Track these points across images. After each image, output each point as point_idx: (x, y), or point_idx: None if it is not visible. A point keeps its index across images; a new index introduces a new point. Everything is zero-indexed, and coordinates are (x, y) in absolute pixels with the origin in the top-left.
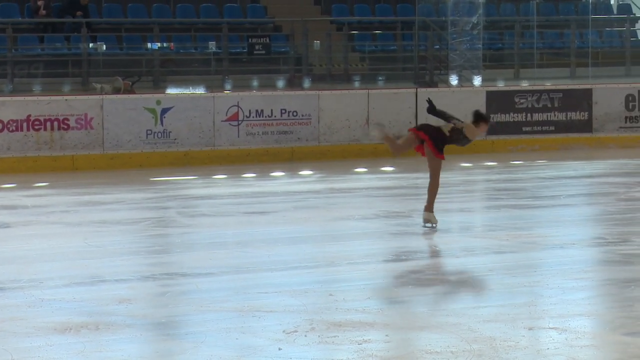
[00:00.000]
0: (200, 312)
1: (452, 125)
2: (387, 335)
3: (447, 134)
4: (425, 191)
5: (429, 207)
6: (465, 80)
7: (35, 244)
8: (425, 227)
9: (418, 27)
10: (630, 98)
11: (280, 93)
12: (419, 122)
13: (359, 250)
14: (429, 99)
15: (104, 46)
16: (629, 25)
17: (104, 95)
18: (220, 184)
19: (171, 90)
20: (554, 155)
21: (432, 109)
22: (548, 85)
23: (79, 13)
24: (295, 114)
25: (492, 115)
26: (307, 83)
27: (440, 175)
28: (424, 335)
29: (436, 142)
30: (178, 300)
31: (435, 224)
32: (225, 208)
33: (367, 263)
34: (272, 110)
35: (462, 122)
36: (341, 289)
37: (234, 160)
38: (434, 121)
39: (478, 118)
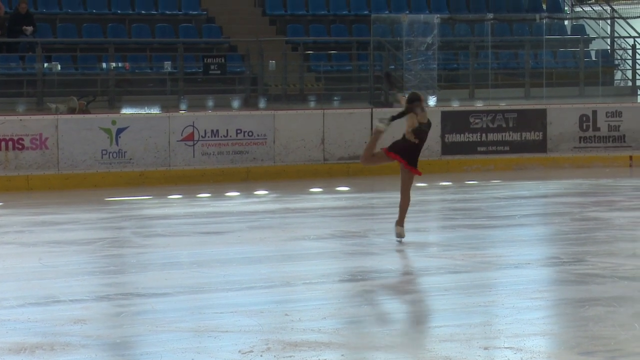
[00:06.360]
0: (155, 333)
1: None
2: (342, 355)
3: (415, 140)
4: (382, 211)
5: (400, 222)
6: None
7: None
8: (397, 240)
9: (373, 48)
10: (584, 118)
11: (236, 113)
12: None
13: (314, 270)
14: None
15: (59, 66)
16: (583, 45)
17: (59, 115)
18: (175, 204)
19: (126, 110)
20: (509, 175)
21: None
22: (503, 105)
23: (28, 28)
24: (250, 134)
25: (446, 135)
26: (262, 103)
27: (394, 196)
28: (380, 355)
29: (410, 159)
30: (133, 320)
31: (403, 237)
32: (181, 228)
33: (322, 283)
34: (227, 130)
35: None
36: (297, 308)
37: (190, 180)
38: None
39: (412, 102)
